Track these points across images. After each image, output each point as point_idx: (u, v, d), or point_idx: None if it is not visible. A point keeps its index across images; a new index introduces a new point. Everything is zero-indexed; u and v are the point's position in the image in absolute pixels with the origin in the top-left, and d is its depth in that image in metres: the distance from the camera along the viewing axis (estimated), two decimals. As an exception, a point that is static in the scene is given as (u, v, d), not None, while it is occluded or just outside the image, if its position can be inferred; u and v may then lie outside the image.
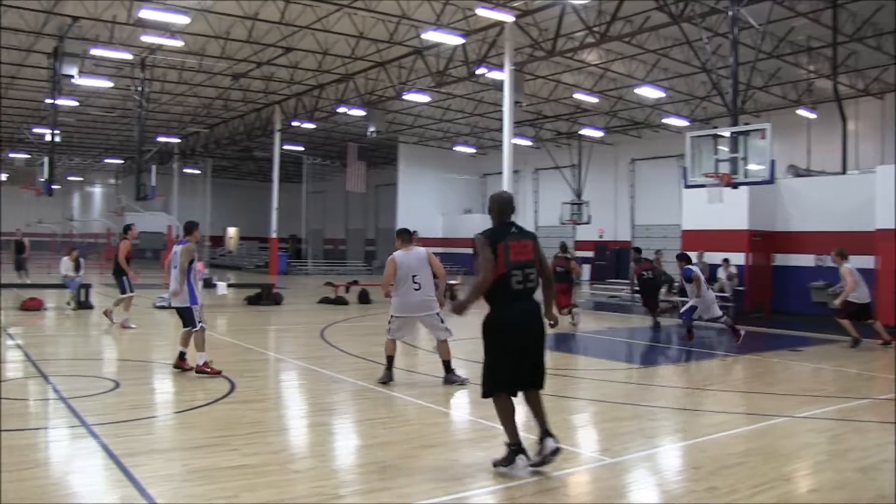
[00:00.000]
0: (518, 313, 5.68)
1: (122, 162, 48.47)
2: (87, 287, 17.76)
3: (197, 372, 9.65)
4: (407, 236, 9.45)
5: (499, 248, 5.65)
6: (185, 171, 48.01)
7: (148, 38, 23.13)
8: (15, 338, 12.81)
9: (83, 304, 17.24)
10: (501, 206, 6.02)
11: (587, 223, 34.79)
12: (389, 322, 9.44)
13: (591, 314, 20.02)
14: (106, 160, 49.33)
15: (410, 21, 22.09)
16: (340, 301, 20.33)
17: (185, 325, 9.99)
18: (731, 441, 7.03)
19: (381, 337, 12.26)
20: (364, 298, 20.65)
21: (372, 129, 30.54)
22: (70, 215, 56.23)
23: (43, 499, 5.15)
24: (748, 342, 13.73)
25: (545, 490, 5.46)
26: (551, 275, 6.32)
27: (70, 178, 54.21)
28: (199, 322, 9.90)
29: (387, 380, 9.32)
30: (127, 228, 15.27)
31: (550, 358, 12.68)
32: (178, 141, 43.04)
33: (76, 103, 31.67)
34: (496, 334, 5.69)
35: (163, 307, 17.63)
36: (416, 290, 9.21)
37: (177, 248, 10.09)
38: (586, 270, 37.82)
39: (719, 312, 14.34)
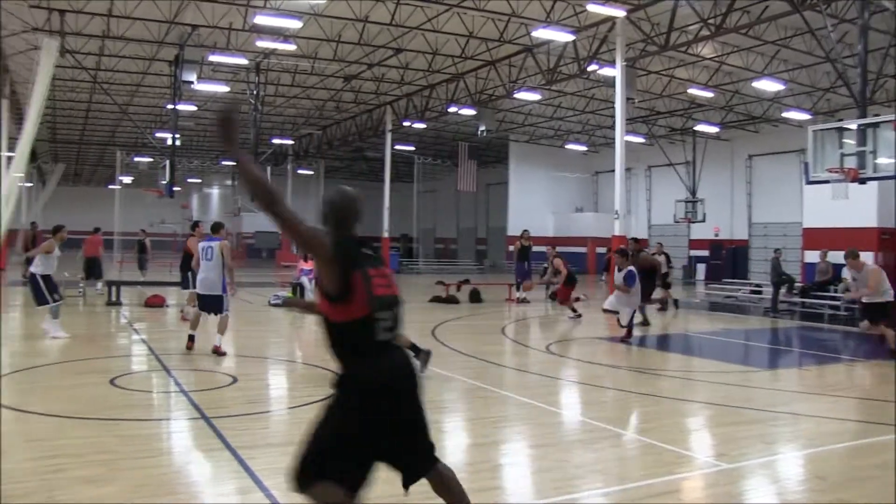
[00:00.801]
0: (389, 371, 3.70)
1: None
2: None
3: (214, 352, 10.79)
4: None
5: (355, 279, 3.59)
6: (298, 171, 49.29)
7: (262, 43, 23.88)
8: (139, 332, 13.43)
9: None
10: (345, 212, 3.83)
11: (702, 221, 33.81)
12: None
13: (705, 315, 19.44)
14: (223, 162, 51.16)
15: (520, 19, 21.95)
16: (452, 300, 20.42)
17: (217, 312, 10.92)
18: (859, 452, 6.66)
19: (493, 336, 12.27)
20: (475, 297, 20.66)
21: (482, 128, 30.55)
22: (189, 216, 58.48)
23: (164, 486, 5.37)
24: (879, 347, 12.96)
25: (658, 493, 5.31)
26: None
27: (189, 180, 56.47)
28: (226, 309, 11.02)
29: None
30: (195, 225, 15.81)
31: (663, 359, 12.51)
32: (292, 142, 44.22)
33: (195, 108, 33.03)
34: (353, 404, 3.62)
35: (277, 305, 18.12)
36: None
37: (212, 245, 11.03)
38: (701, 270, 36.79)
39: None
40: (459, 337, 13.60)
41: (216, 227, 11.67)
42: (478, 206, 50.51)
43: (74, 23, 21.78)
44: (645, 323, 15.56)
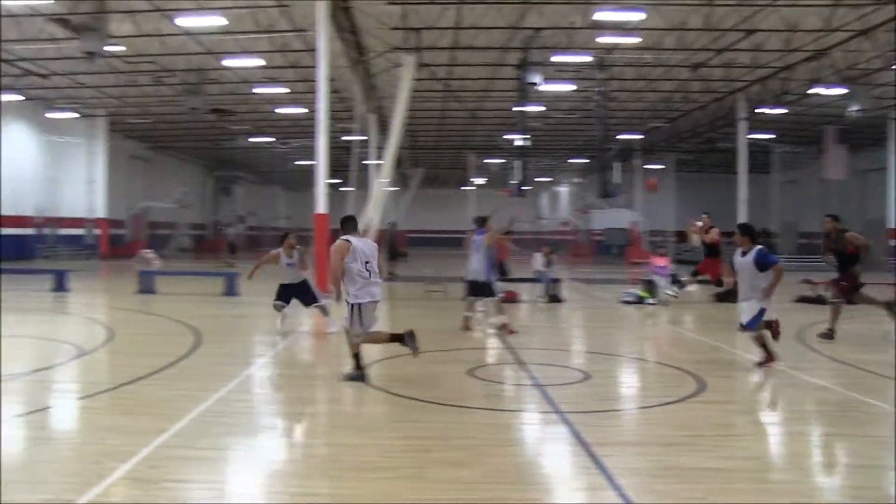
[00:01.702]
0: None
1: (587, 161, 50.63)
2: (556, 282, 18.72)
3: (500, 329, 12.65)
4: (354, 224, 8.92)
5: None
6: (647, 166, 48.41)
7: (604, 39, 23.78)
8: (495, 327, 13.94)
9: (554, 298, 18.20)
10: None
11: None
12: (357, 313, 8.49)
13: None
14: (571, 160, 51.95)
15: (901, -24, 19.29)
16: (820, 300, 18.53)
17: (488, 295, 12.83)
18: None
19: (873, 342, 10.90)
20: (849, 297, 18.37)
21: (854, 107, 27.41)
22: (540, 214, 60.22)
23: (518, 475, 5.55)
24: None
25: None
26: None
27: (538, 179, 58.06)
28: (498, 293, 13.07)
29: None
30: (483, 221, 15.78)
31: None
32: (640, 137, 43.54)
33: (543, 108, 33.83)
34: None
35: (628, 302, 17.84)
36: (373, 277, 8.63)
37: (478, 238, 12.89)
38: None
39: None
40: (831, 342, 12.14)
41: (482, 221, 13.36)
42: (848, 195, 45.47)
43: (428, 38, 23.53)
44: (828, 335, 12.01)
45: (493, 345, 12.10)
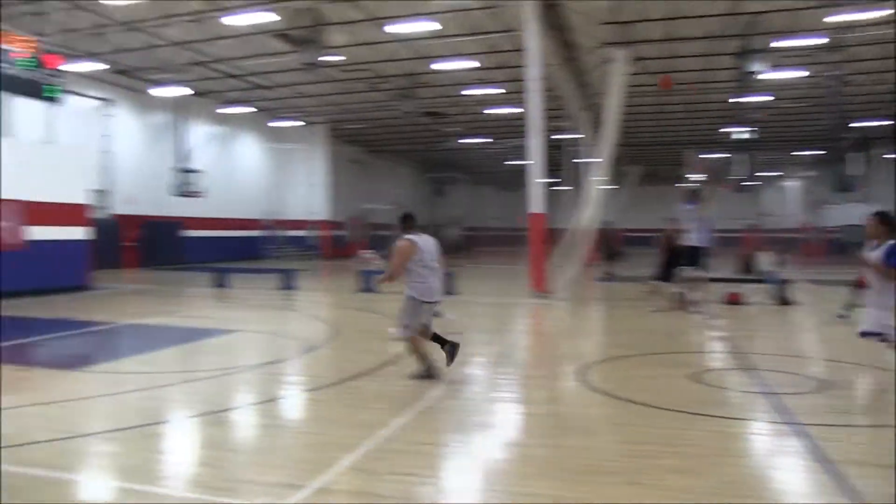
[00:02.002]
0: None
1: (820, 153, 47.04)
2: (786, 283, 17.40)
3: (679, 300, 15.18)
4: (414, 221, 8.54)
5: None
6: (888, 156, 44.04)
7: (834, 18, 21.54)
8: (720, 329, 13.21)
9: (783, 300, 16.92)
10: None
11: None
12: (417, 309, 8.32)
13: None
14: (799, 152, 48.61)
15: None
16: None
17: (693, 264, 15.19)
18: None
19: None
20: None
21: None
22: (765, 210, 56.64)
23: (748, 489, 5.20)
24: None
25: None
26: None
27: (762, 174, 54.79)
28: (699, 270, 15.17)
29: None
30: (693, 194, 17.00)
31: None
32: (884, 124, 39.58)
33: (769, 98, 31.70)
34: None
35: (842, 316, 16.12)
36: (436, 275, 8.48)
37: (689, 207, 15.92)
38: None
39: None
40: None
41: (693, 194, 16.42)
42: None
43: (640, 32, 22.91)
44: None
45: (717, 348, 11.48)
